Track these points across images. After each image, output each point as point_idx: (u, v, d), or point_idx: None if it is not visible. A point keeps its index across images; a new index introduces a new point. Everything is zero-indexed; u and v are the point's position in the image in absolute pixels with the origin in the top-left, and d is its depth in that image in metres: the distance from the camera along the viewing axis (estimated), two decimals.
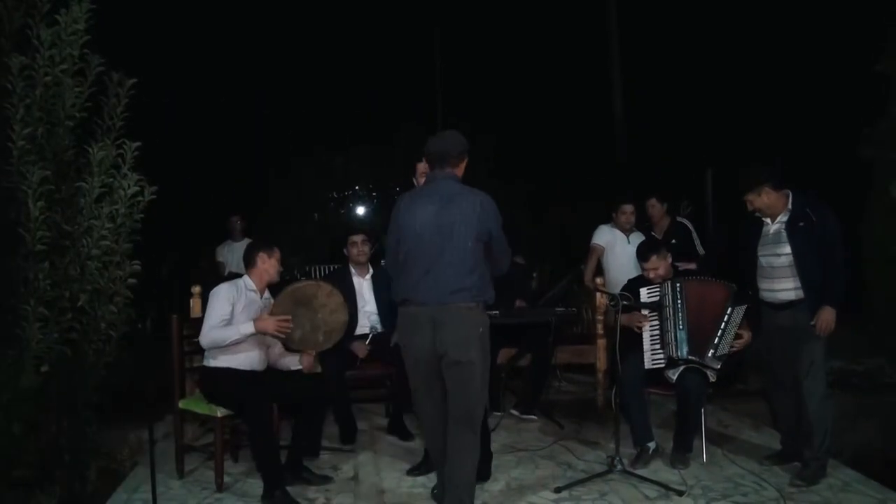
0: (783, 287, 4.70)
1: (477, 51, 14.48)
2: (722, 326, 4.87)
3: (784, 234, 4.66)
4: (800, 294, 4.65)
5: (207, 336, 4.64)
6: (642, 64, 14.18)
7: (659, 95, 13.82)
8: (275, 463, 4.52)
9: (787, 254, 4.65)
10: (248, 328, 4.64)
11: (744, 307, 4.89)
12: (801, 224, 4.61)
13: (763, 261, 4.79)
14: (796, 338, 4.66)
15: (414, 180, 4.91)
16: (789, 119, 12.33)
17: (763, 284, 4.82)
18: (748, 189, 4.71)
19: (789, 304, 4.70)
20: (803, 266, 4.60)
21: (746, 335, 4.94)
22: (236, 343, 4.66)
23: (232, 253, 8.80)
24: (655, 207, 7.02)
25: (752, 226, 4.85)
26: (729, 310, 4.88)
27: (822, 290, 4.56)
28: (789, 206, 4.68)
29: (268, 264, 4.88)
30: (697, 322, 4.91)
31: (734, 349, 4.92)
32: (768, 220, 4.77)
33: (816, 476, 4.64)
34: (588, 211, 10.43)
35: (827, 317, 4.53)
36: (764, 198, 4.68)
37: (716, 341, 4.87)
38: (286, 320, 4.70)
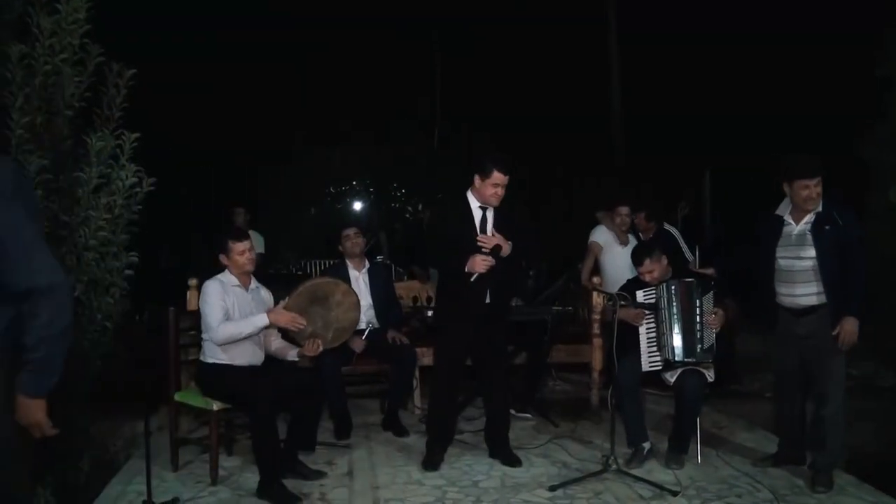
0: (805, 292, 4.55)
1: (475, 48, 14.47)
2: (698, 320, 4.89)
3: (809, 236, 4.51)
4: (822, 299, 4.51)
5: (221, 332, 4.62)
6: (641, 65, 14.19)
7: (658, 97, 13.83)
8: (274, 457, 4.51)
9: (810, 257, 4.49)
10: (262, 320, 4.66)
11: (710, 294, 4.91)
12: (828, 227, 4.46)
13: (782, 263, 4.63)
14: (817, 346, 4.55)
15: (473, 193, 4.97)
16: (789, 121, 12.35)
17: (781, 288, 4.67)
18: (814, 174, 4.48)
19: (811, 310, 4.56)
20: (826, 270, 4.45)
21: (719, 312, 4.94)
22: (250, 336, 4.66)
23: None
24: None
25: (771, 226, 4.70)
26: (697, 302, 4.89)
27: (845, 298, 4.43)
28: (819, 208, 4.53)
29: (236, 253, 4.79)
30: (688, 323, 4.93)
31: (715, 330, 4.92)
32: (791, 221, 4.61)
33: (831, 480, 4.61)
34: (585, 209, 10.44)
35: (850, 328, 4.39)
36: (819, 188, 4.50)
37: (698, 336, 4.89)
38: (300, 321, 4.74)
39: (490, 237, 4.82)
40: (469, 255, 4.76)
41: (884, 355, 7.52)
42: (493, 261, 4.73)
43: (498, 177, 4.81)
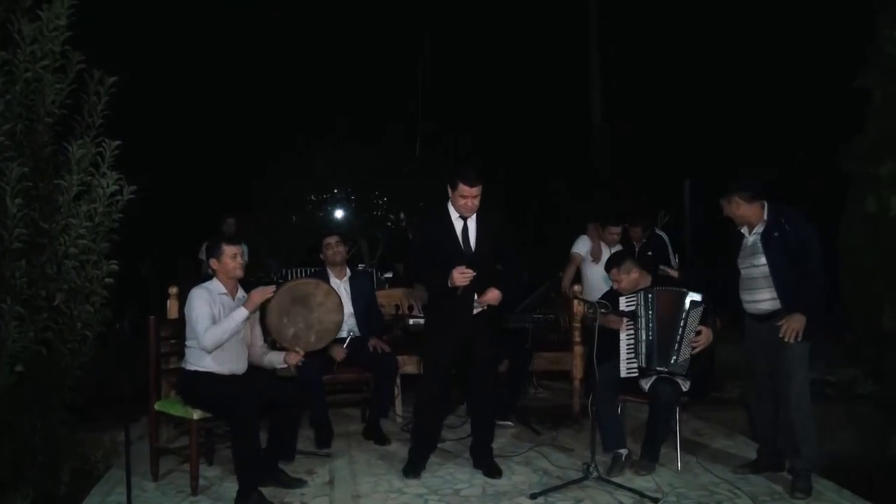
0: (762, 298, 4.74)
1: (459, 57, 14.51)
2: (679, 332, 4.91)
3: (760, 244, 4.72)
4: (777, 304, 4.68)
5: (208, 336, 4.57)
6: (622, 74, 14.28)
7: (638, 106, 13.91)
8: (254, 465, 4.49)
9: (763, 264, 4.69)
10: (242, 314, 4.60)
11: (699, 309, 4.92)
12: (776, 235, 4.66)
13: (743, 272, 4.84)
14: (776, 349, 4.67)
15: (452, 204, 4.94)
16: (769, 132, 12.45)
17: (744, 296, 4.86)
18: (721, 196, 4.82)
19: (771, 315, 4.72)
20: (778, 276, 4.64)
21: (705, 331, 4.95)
22: (235, 332, 4.63)
23: None
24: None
25: (735, 237, 4.90)
26: (684, 314, 4.92)
27: (796, 297, 4.59)
28: (765, 217, 4.73)
29: (228, 256, 4.76)
30: (664, 331, 4.96)
31: (696, 349, 4.93)
32: (746, 231, 4.83)
33: (810, 485, 4.66)
34: (567, 217, 10.49)
35: (794, 325, 4.53)
36: (734, 207, 4.77)
37: (675, 347, 4.91)
38: (268, 290, 4.68)
39: (466, 273, 4.75)
40: (451, 266, 4.74)
41: (863, 364, 7.60)
42: (473, 273, 4.71)
43: (465, 189, 4.79)
